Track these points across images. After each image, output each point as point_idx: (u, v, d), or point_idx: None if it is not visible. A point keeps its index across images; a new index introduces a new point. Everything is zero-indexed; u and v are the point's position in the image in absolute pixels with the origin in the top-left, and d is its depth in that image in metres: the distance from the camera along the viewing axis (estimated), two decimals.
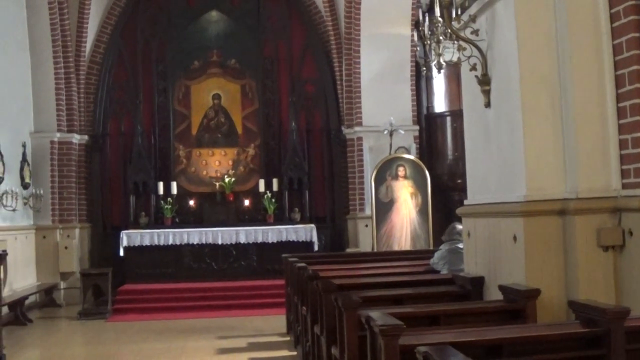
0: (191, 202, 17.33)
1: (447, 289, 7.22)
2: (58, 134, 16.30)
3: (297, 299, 10.07)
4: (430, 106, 17.53)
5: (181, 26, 17.64)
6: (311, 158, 17.66)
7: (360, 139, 16.95)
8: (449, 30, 6.90)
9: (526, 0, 6.11)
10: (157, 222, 16.99)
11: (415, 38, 13.59)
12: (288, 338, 11.45)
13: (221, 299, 14.95)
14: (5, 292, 12.68)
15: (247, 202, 17.36)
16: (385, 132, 15.95)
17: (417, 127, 17.04)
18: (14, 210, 14.37)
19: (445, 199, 16.72)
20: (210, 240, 16.36)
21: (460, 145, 14.63)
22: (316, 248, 16.39)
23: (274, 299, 14.27)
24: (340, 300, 5.89)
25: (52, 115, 16.23)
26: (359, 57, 16.90)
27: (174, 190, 17.03)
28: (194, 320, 13.61)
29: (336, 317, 6.28)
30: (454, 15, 6.92)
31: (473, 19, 6.70)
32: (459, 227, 8.70)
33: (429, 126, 17.39)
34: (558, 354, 4.83)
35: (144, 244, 16.25)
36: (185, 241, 16.34)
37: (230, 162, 17.52)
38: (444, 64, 8.74)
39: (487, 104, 6.70)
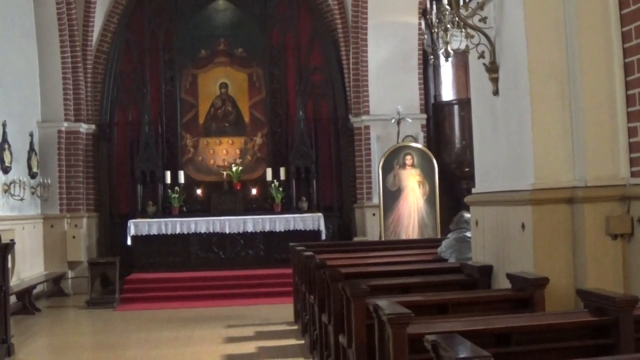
0: (199, 191, 17.34)
1: (455, 278, 7.21)
2: (65, 124, 16.31)
3: (304, 287, 10.07)
4: (437, 94, 17.50)
5: (188, 15, 17.62)
6: (318, 147, 17.65)
7: (367, 127, 16.92)
8: (457, 18, 6.88)
9: None
10: (165, 211, 17.02)
11: (423, 26, 13.56)
12: (296, 327, 11.46)
13: (229, 288, 14.96)
14: (13, 281, 12.71)
15: (254, 191, 17.36)
16: (393, 120, 15.93)
17: (425, 116, 17.00)
18: (21, 199, 14.39)
19: (453, 188, 16.71)
20: (217, 230, 16.38)
21: (468, 133, 14.59)
22: (324, 237, 16.39)
23: (281, 288, 14.30)
24: (348, 288, 5.89)
25: (59, 105, 16.24)
26: (366, 46, 16.85)
27: (182, 180, 17.05)
28: (201, 309, 13.63)
29: (344, 305, 6.28)
30: (461, 2, 6.89)
31: (481, 6, 6.66)
32: (467, 215, 8.69)
33: (436, 114, 17.36)
34: (567, 342, 4.82)
35: (151, 233, 16.28)
36: (192, 230, 16.37)
37: (238, 151, 17.52)
38: (451, 52, 8.70)
39: (495, 92, 6.67)
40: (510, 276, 6.08)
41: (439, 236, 13.85)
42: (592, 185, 5.81)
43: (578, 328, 4.90)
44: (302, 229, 16.43)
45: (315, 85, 17.94)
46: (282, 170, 17.13)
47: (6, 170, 13.90)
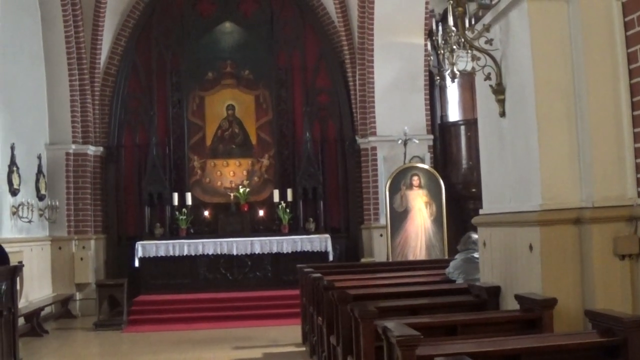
0: (206, 213, 17.36)
1: (463, 299, 7.21)
2: (73, 146, 16.37)
3: (312, 309, 10.07)
4: (444, 115, 17.51)
5: (195, 37, 17.70)
6: (325, 168, 17.66)
7: (374, 148, 16.94)
8: (463, 40, 6.90)
9: (540, 9, 6.11)
10: (172, 233, 17.02)
11: (429, 47, 13.59)
12: (304, 348, 11.44)
13: (236, 310, 14.96)
14: (22, 303, 12.71)
15: (261, 213, 17.37)
16: (400, 141, 15.94)
17: (431, 137, 17.01)
18: (29, 221, 14.43)
19: (460, 208, 16.69)
20: (225, 251, 16.38)
21: (475, 154, 14.61)
22: (331, 258, 16.38)
23: (289, 310, 14.26)
24: (357, 310, 5.89)
25: (67, 127, 16.31)
26: (372, 67, 16.89)
27: (189, 201, 17.06)
28: (209, 331, 13.62)
29: (352, 327, 6.29)
30: (467, 24, 6.92)
31: (487, 28, 6.69)
32: (475, 236, 8.68)
33: (443, 135, 17.37)
34: None
35: (159, 255, 16.28)
36: (200, 252, 16.37)
37: (245, 173, 17.55)
38: (457, 73, 8.73)
39: (502, 114, 6.70)
40: (518, 297, 6.09)
41: (446, 257, 13.81)
42: (599, 205, 5.81)
43: (586, 349, 4.90)
44: (310, 250, 16.43)
45: (322, 106, 17.97)
46: (289, 192, 17.13)
47: (14, 193, 13.95)
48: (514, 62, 6.45)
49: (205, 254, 16.40)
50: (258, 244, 16.44)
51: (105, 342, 13.15)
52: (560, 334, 5.46)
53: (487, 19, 6.83)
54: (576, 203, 5.95)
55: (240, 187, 17.28)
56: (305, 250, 16.43)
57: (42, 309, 14.12)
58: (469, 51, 6.87)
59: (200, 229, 17.21)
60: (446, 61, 8.69)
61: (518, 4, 6.29)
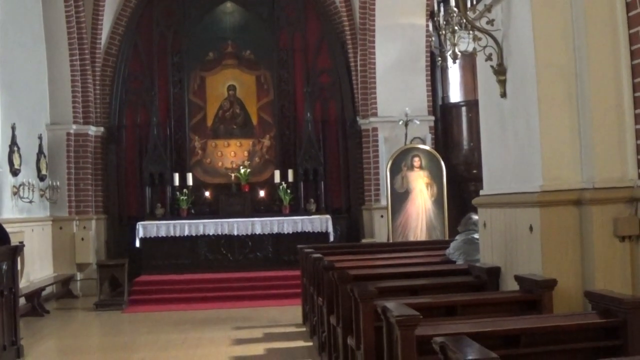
0: (207, 193, 17.36)
1: (463, 280, 7.22)
2: (74, 126, 16.36)
3: (312, 289, 10.08)
4: (445, 96, 17.47)
5: (196, 18, 17.65)
6: (326, 149, 17.64)
7: (375, 129, 16.91)
8: (465, 20, 6.88)
9: None
10: (173, 213, 17.03)
11: (430, 28, 13.56)
12: (304, 329, 11.47)
13: (237, 290, 14.99)
14: (23, 283, 12.75)
15: (262, 193, 17.37)
16: (401, 122, 15.92)
17: (433, 118, 16.99)
18: (30, 202, 14.43)
19: (461, 189, 16.69)
20: (226, 231, 16.39)
21: (476, 135, 14.55)
22: (332, 239, 16.39)
23: (289, 290, 14.31)
24: (356, 290, 5.90)
25: (68, 107, 16.30)
26: (374, 48, 16.85)
27: (190, 182, 17.06)
28: (210, 311, 13.66)
29: (352, 307, 6.30)
30: (469, 5, 6.90)
31: (488, 8, 6.67)
32: (475, 217, 8.69)
33: (444, 116, 17.34)
34: (575, 344, 4.83)
35: (160, 235, 16.29)
36: (201, 232, 16.38)
37: (246, 153, 17.54)
38: (459, 54, 8.68)
39: (503, 94, 6.68)
40: (518, 278, 6.09)
41: (446, 238, 13.83)
42: (600, 187, 5.81)
43: (586, 330, 4.91)
44: (311, 231, 16.44)
45: (323, 87, 17.94)
46: (290, 172, 17.13)
47: (15, 173, 13.94)
48: (516, 43, 6.44)
49: (206, 234, 16.41)
50: (259, 225, 16.45)
51: (106, 322, 13.19)
52: (560, 314, 5.47)
53: None
54: (577, 184, 5.95)
55: (241, 167, 17.26)
56: (306, 230, 16.45)
57: (43, 289, 14.15)
58: (471, 32, 6.84)
59: (201, 210, 17.22)
60: (448, 42, 8.64)
61: None
